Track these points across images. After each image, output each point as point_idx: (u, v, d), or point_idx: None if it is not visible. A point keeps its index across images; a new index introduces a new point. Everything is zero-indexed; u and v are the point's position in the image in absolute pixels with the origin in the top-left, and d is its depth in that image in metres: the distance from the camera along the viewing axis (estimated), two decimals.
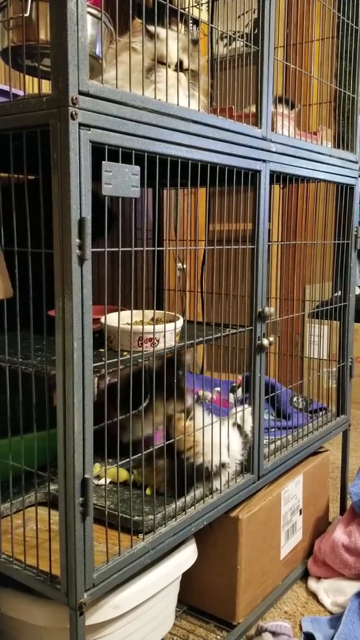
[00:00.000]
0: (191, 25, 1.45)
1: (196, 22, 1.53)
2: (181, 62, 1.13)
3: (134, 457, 1.07)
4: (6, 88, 1.09)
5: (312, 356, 1.80)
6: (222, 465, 1.25)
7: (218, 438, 1.24)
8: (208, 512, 1.22)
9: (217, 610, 1.41)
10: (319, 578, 1.59)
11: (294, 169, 1.40)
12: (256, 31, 1.23)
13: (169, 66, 1.10)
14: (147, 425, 1.23)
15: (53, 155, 0.85)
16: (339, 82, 1.67)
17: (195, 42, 1.18)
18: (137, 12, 1.04)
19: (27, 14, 0.98)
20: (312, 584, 1.58)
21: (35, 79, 1.18)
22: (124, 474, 1.25)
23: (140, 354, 1.10)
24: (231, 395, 1.92)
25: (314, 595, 1.55)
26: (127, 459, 1.07)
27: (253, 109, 1.26)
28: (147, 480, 1.19)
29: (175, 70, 1.11)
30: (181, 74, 1.12)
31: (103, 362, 0.96)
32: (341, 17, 1.62)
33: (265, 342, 1.31)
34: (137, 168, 0.94)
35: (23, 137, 0.90)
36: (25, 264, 0.94)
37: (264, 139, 1.27)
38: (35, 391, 0.96)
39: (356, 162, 1.72)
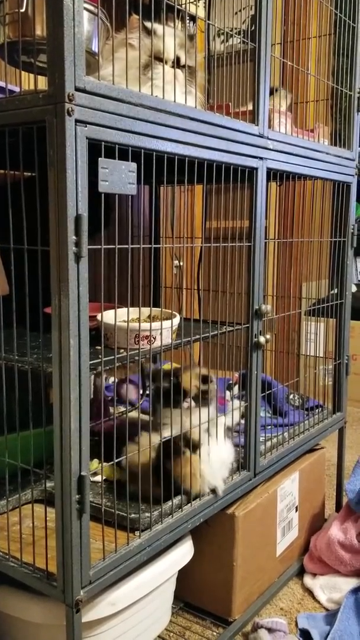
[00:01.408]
0: (188, 21, 1.44)
1: (193, 18, 1.53)
2: (178, 59, 1.13)
3: (131, 454, 1.07)
4: (2, 84, 1.08)
5: (308, 354, 1.81)
6: (213, 491, 1.24)
7: (216, 464, 1.24)
8: (204, 509, 1.22)
9: (213, 607, 1.41)
10: (314, 575, 1.60)
11: (290, 167, 1.40)
12: (253, 28, 1.22)
13: (166, 62, 1.10)
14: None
15: (49, 152, 0.84)
16: (335, 79, 1.67)
17: (191, 37, 1.17)
18: (134, 8, 1.04)
19: (23, 10, 0.98)
20: (308, 580, 1.58)
21: (32, 75, 1.17)
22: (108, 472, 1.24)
23: (137, 351, 1.10)
24: (227, 392, 1.92)
25: (309, 592, 1.55)
26: (123, 457, 1.07)
27: (251, 107, 1.26)
28: (133, 486, 1.17)
29: (173, 66, 1.11)
30: (178, 71, 1.12)
31: (99, 360, 0.96)
32: (338, 14, 1.62)
33: (261, 339, 1.31)
34: (134, 165, 0.94)
35: (19, 134, 0.90)
36: (22, 261, 0.94)
37: (260, 136, 1.27)
38: (32, 389, 0.96)
39: (353, 160, 1.72)
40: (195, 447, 1.18)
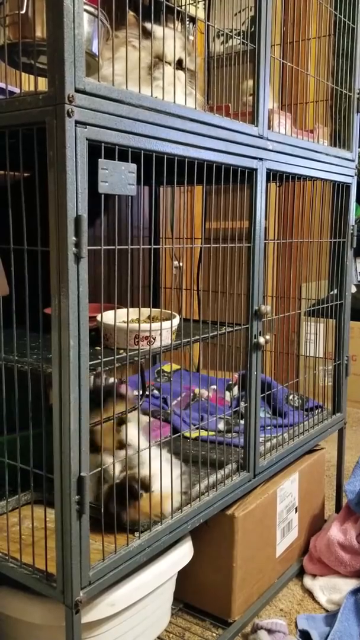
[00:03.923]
0: (188, 23, 1.45)
1: (193, 19, 1.53)
2: (180, 60, 1.13)
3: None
4: (2, 85, 1.08)
5: (308, 354, 1.81)
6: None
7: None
8: (204, 510, 1.22)
9: (213, 608, 1.41)
10: (314, 576, 1.60)
11: (290, 167, 1.40)
12: (253, 29, 1.22)
13: (169, 64, 1.10)
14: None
15: (49, 153, 0.84)
16: (335, 80, 1.67)
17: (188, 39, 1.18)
18: (134, 9, 1.04)
19: (23, 11, 0.98)
20: (308, 581, 1.58)
21: (32, 77, 1.17)
22: None
23: (137, 352, 1.10)
24: (227, 393, 1.92)
25: (309, 593, 1.55)
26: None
27: (249, 99, 1.25)
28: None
29: (175, 68, 1.11)
30: (180, 72, 1.12)
31: (99, 360, 0.96)
32: (338, 15, 1.62)
33: (261, 340, 1.31)
34: (134, 166, 0.94)
35: (19, 135, 0.90)
36: (22, 262, 0.94)
37: (260, 137, 1.27)
38: (32, 389, 0.96)
39: (352, 161, 1.72)
40: (147, 486, 1.11)
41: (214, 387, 1.91)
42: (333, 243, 1.72)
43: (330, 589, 1.53)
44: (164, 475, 1.13)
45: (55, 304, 0.87)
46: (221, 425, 1.64)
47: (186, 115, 1.06)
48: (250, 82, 1.29)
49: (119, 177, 0.92)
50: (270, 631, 1.32)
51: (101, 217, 0.91)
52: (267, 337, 1.33)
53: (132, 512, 1.08)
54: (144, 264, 1.77)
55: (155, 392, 1.82)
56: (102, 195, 0.90)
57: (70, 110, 0.83)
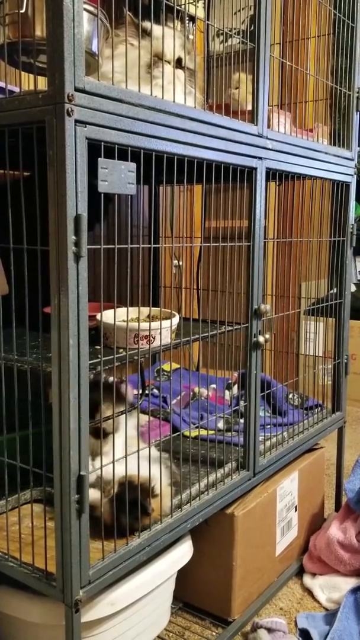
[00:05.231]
0: (187, 21, 1.44)
1: (192, 18, 1.53)
2: (179, 59, 1.13)
3: (119, 458, 1.06)
4: (2, 84, 1.08)
5: (307, 353, 1.81)
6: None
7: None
8: (204, 509, 1.22)
9: (212, 607, 1.41)
10: (314, 574, 1.60)
11: (290, 166, 1.40)
12: (252, 28, 1.22)
13: (169, 63, 1.10)
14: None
15: (49, 152, 0.84)
16: (335, 79, 1.67)
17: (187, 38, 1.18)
18: (133, 8, 1.04)
19: (23, 10, 0.98)
20: (308, 580, 1.58)
21: (31, 76, 1.17)
22: None
23: (136, 351, 1.10)
24: (227, 392, 1.92)
25: (309, 592, 1.55)
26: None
27: (236, 92, 1.25)
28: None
29: (174, 67, 1.11)
30: (180, 71, 1.12)
31: (99, 359, 0.96)
32: (337, 14, 1.62)
33: (260, 339, 1.31)
34: (134, 165, 0.94)
35: (19, 134, 0.90)
36: (21, 261, 0.94)
37: (260, 136, 1.27)
38: (31, 388, 0.96)
39: (352, 159, 1.72)
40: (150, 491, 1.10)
41: (214, 386, 1.91)
42: (332, 242, 1.73)
43: (330, 588, 1.53)
44: (150, 470, 1.12)
45: (54, 303, 0.87)
46: (221, 424, 1.64)
47: (186, 114, 1.06)
48: (239, 75, 1.28)
49: (118, 176, 0.92)
50: (270, 630, 1.32)
51: (100, 217, 0.91)
52: (267, 336, 1.33)
53: (142, 522, 1.08)
54: (143, 263, 1.77)
55: (155, 391, 1.82)
56: (102, 195, 0.90)
57: (69, 109, 0.83)
